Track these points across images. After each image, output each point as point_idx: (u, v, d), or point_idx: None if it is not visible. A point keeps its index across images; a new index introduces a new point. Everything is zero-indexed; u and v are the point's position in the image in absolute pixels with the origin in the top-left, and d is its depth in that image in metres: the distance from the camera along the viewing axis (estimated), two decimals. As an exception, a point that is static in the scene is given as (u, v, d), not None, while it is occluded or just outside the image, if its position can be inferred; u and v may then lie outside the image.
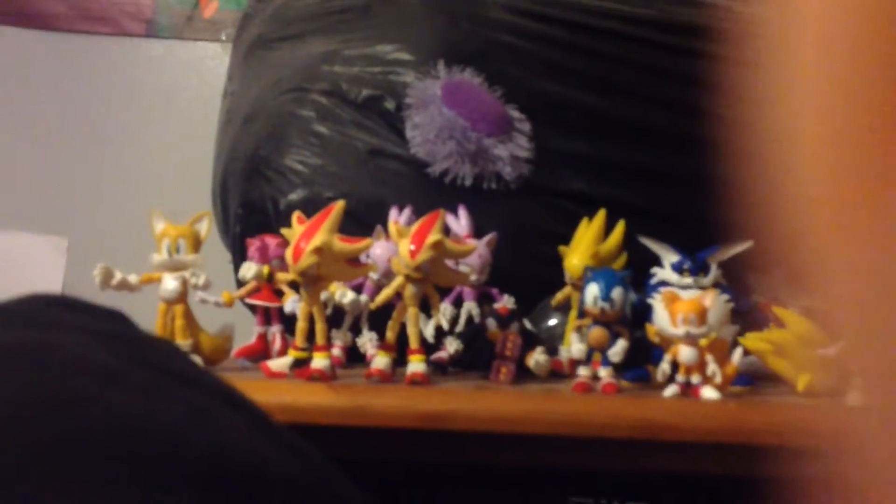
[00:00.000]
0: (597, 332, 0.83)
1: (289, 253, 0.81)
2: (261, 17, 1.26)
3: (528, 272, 1.05)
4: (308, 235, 0.81)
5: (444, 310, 0.95)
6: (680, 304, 0.81)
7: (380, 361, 0.84)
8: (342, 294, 0.79)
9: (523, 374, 0.91)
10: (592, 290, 0.83)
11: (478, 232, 1.02)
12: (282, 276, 0.85)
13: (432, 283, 0.85)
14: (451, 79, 1.06)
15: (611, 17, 1.11)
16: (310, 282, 0.82)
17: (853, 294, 0.26)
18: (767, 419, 0.77)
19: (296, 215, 0.84)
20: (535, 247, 1.05)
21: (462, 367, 0.96)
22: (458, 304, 0.99)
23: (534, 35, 1.11)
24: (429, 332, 0.93)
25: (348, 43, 1.13)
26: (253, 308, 1.02)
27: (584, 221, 1.02)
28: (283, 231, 0.83)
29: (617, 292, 0.83)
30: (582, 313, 0.85)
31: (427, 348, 0.95)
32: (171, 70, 2.03)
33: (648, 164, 1.10)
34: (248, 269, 0.83)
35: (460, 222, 1.00)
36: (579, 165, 1.09)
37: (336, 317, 0.95)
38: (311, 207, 1.07)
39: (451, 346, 0.96)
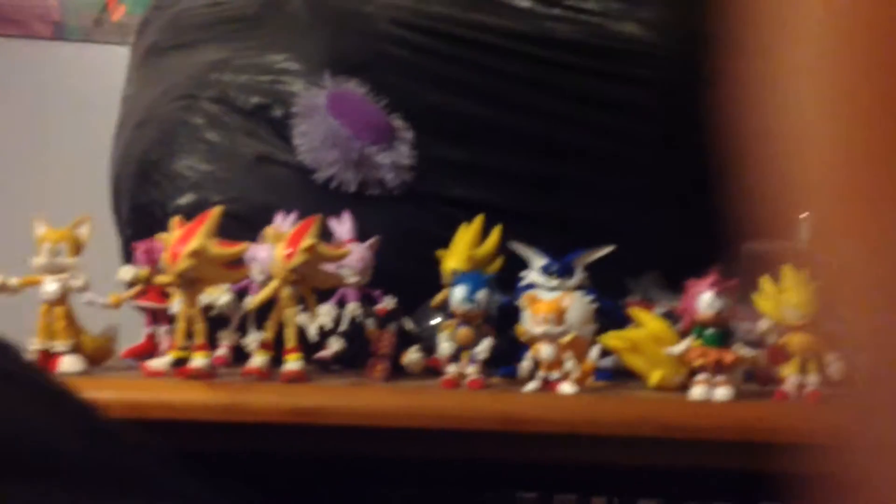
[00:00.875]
0: (463, 332, 0.88)
1: (165, 256, 0.84)
2: (157, 24, 1.29)
3: (412, 274, 1.10)
4: (185, 239, 0.84)
5: (328, 310, 0.99)
6: (540, 304, 0.87)
7: (257, 360, 0.88)
8: (217, 296, 0.83)
9: (402, 371, 0.96)
10: (458, 292, 0.88)
11: (364, 236, 1.06)
12: (161, 279, 0.88)
13: (308, 285, 0.89)
14: (337, 89, 1.10)
15: (492, 32, 1.16)
16: (187, 284, 0.85)
17: (855, 278, 0.26)
18: (617, 411, 0.83)
19: (175, 220, 0.88)
20: (420, 250, 1.09)
21: (344, 364, 1.00)
22: (342, 304, 1.03)
23: (419, 47, 1.15)
24: (312, 332, 0.97)
25: (239, 52, 1.16)
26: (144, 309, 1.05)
27: (463, 226, 1.07)
28: (161, 235, 0.86)
29: (481, 294, 0.88)
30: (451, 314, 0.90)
31: (312, 347, 0.99)
32: (80, 73, 2.04)
33: (528, 170, 1.15)
34: (126, 272, 0.86)
35: (343, 227, 1.04)
36: (461, 172, 1.14)
37: (225, 317, 0.98)
38: (199, 212, 1.09)
39: (334, 345, 1.00)
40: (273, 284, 0.88)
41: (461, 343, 0.88)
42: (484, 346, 0.88)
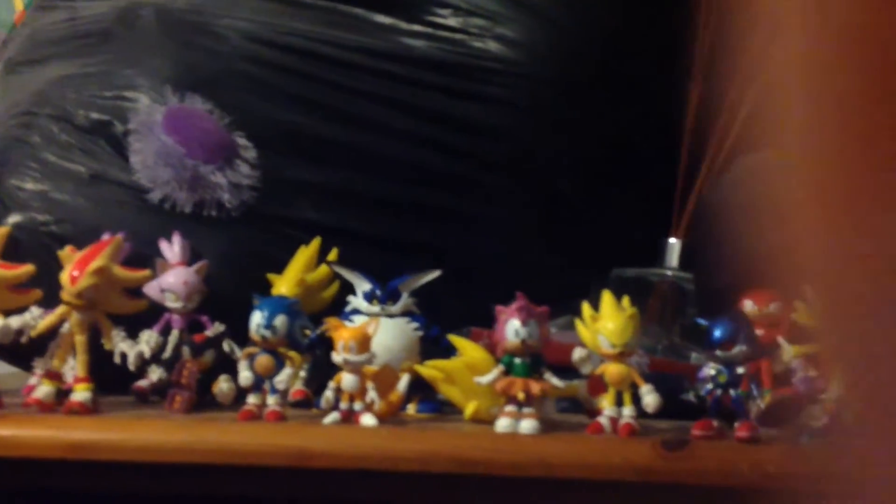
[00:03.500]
0: (262, 360, 0.83)
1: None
2: (17, 41, 1.24)
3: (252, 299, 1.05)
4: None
5: (148, 337, 0.94)
6: (343, 331, 0.81)
7: (41, 391, 0.82)
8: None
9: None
10: (256, 318, 0.83)
11: (202, 259, 1.01)
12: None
13: (103, 310, 0.84)
14: (176, 105, 1.05)
15: (348, 48, 1.11)
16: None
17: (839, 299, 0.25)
18: (412, 446, 0.77)
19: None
20: (261, 274, 1.04)
21: (163, 396, 0.95)
22: (167, 331, 0.98)
23: (270, 63, 1.11)
24: (131, 360, 0.91)
25: (86, 68, 1.12)
26: None
27: (301, 249, 1.02)
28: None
29: (280, 320, 0.82)
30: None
31: (133, 376, 0.94)
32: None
33: (382, 193, 1.10)
34: None
35: (172, 249, 0.99)
36: (311, 194, 1.09)
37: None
38: (24, 233, 1.06)
39: (154, 374, 0.95)
40: (59, 310, 0.83)
41: (260, 372, 0.83)
42: (283, 376, 0.82)
